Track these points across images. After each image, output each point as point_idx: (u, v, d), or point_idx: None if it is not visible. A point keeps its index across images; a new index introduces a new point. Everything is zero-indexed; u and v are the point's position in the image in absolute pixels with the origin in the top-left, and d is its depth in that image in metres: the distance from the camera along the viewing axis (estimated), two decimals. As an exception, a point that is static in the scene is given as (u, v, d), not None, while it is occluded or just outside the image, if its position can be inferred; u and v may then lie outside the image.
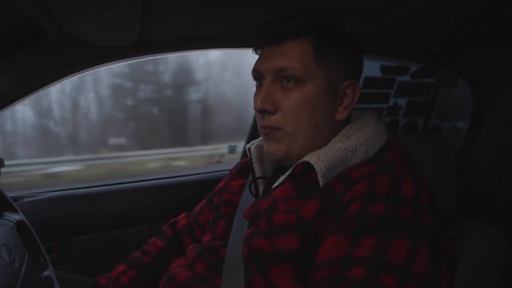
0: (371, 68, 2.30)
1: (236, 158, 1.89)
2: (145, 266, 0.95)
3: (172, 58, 2.28)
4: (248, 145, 0.87)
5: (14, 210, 0.84)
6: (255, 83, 0.79)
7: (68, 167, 2.07)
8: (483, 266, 0.76)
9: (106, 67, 1.02)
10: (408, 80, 2.40)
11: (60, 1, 0.66)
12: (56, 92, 2.05)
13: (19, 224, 0.81)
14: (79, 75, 1.01)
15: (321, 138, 0.73)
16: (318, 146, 0.72)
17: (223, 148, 1.96)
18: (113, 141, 2.25)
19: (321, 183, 0.67)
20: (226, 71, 2.46)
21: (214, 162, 2.05)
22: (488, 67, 1.40)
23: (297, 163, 0.71)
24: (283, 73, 0.71)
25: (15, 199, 1.18)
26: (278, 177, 0.76)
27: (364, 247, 0.57)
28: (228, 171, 1.02)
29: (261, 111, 0.73)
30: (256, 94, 0.75)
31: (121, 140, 2.26)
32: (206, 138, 2.47)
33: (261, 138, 0.87)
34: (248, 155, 0.86)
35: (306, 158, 0.69)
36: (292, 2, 0.85)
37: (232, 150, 1.94)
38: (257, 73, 0.76)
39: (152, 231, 1.34)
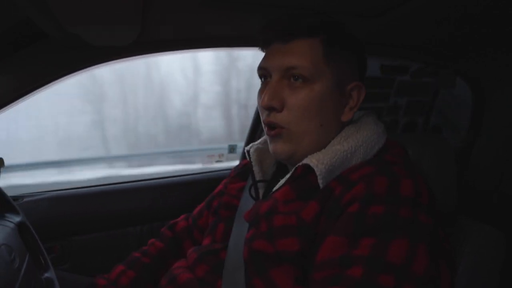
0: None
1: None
2: (145, 267, 0.95)
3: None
4: (247, 148, 0.86)
5: (15, 211, 0.84)
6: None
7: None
8: (483, 265, 0.76)
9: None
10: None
11: (60, 1, 0.66)
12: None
13: (20, 225, 0.81)
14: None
15: (325, 138, 0.73)
16: (322, 147, 0.72)
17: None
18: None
19: (321, 185, 0.67)
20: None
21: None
22: (488, 67, 1.40)
23: (297, 165, 0.71)
24: (291, 71, 0.70)
25: (15, 198, 1.18)
26: (278, 180, 0.75)
27: (362, 247, 0.57)
28: (228, 170, 1.02)
29: (268, 108, 0.72)
30: (262, 91, 0.74)
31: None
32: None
33: (260, 140, 0.87)
34: (248, 157, 0.85)
35: (306, 161, 0.69)
36: (292, 2, 0.85)
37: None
38: (264, 71, 0.75)
39: (152, 231, 1.34)
